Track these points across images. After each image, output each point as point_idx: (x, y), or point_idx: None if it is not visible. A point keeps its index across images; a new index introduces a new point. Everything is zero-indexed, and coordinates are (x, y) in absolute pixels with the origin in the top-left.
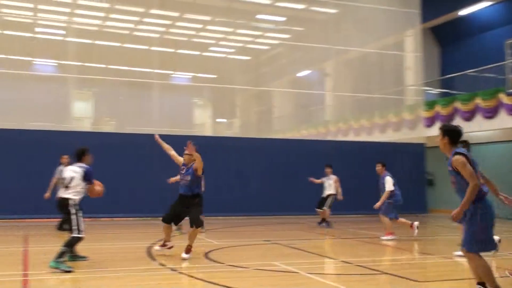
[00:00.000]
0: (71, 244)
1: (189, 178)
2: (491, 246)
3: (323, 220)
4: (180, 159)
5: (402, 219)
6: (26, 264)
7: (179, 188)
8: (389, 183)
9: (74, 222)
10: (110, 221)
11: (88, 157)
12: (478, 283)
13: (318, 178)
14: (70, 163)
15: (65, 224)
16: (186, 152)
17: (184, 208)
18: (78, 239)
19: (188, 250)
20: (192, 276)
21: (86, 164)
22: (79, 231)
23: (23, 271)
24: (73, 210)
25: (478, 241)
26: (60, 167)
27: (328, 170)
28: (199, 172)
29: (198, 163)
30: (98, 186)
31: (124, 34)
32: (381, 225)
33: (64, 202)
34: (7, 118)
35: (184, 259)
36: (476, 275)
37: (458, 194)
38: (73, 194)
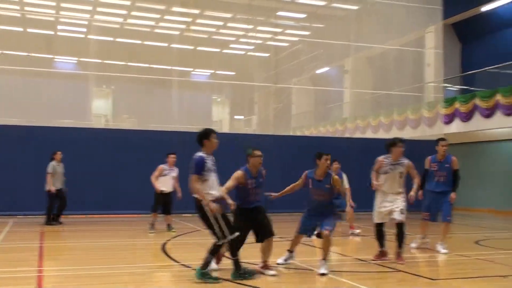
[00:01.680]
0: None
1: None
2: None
3: None
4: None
5: None
6: (41, 259)
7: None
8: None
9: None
10: (129, 217)
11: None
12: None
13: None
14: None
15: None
16: None
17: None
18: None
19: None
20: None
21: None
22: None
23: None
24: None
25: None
26: (53, 163)
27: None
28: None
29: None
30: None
31: (145, 32)
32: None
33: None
34: (27, 115)
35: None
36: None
37: None
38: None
